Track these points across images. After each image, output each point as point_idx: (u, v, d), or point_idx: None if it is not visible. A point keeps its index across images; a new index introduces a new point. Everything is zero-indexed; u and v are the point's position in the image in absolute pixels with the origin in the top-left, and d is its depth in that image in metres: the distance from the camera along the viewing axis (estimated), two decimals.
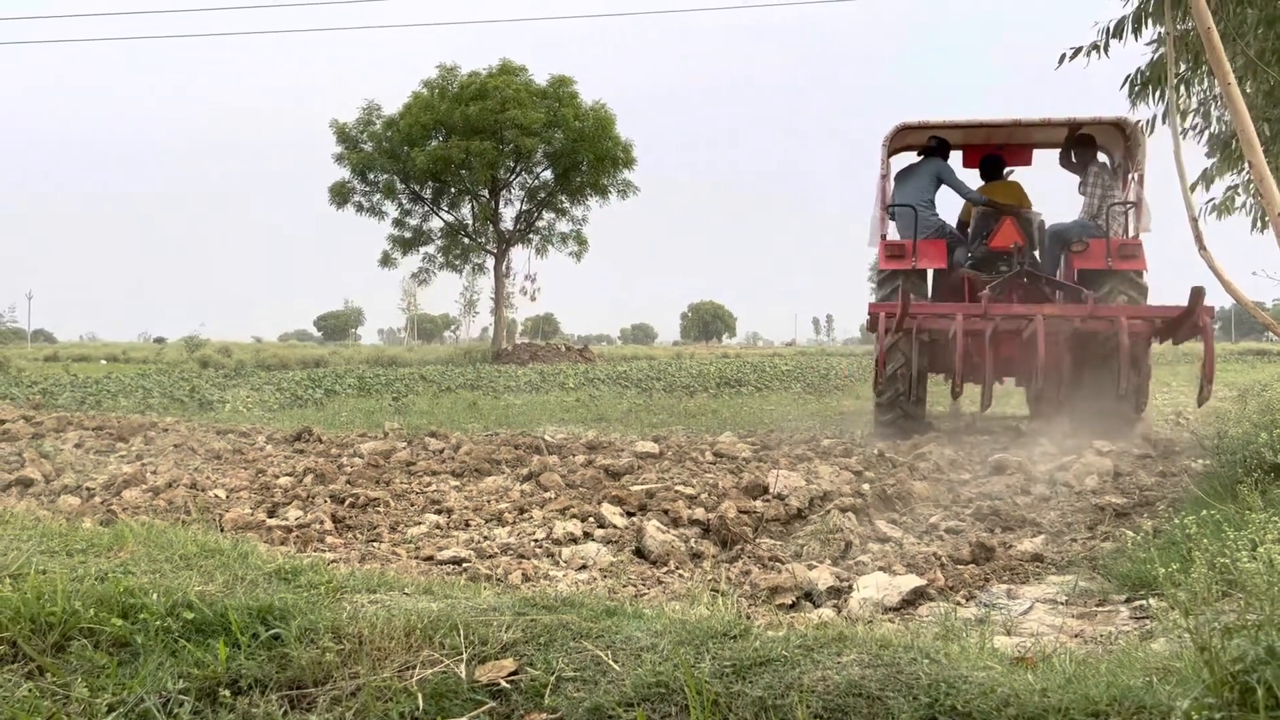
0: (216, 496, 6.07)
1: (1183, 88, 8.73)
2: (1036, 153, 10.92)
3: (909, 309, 8.46)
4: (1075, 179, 9.91)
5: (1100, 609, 3.57)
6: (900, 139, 10.45)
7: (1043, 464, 6.99)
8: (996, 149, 10.55)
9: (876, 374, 9.07)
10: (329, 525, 5.26)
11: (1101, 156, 9.91)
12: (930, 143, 10.20)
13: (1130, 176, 9.55)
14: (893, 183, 10.30)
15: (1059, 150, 10.29)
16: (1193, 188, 9.08)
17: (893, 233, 10.10)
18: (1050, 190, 10.28)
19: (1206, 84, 8.90)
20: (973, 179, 10.57)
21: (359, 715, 2.50)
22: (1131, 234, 9.38)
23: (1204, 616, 2.06)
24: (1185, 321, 7.98)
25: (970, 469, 7.09)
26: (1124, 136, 9.58)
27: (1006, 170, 10.52)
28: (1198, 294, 7.62)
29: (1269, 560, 2.22)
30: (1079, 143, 9.79)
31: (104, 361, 43.87)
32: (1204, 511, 3.33)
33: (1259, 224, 10.29)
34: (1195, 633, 2.01)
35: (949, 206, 10.73)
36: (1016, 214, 9.67)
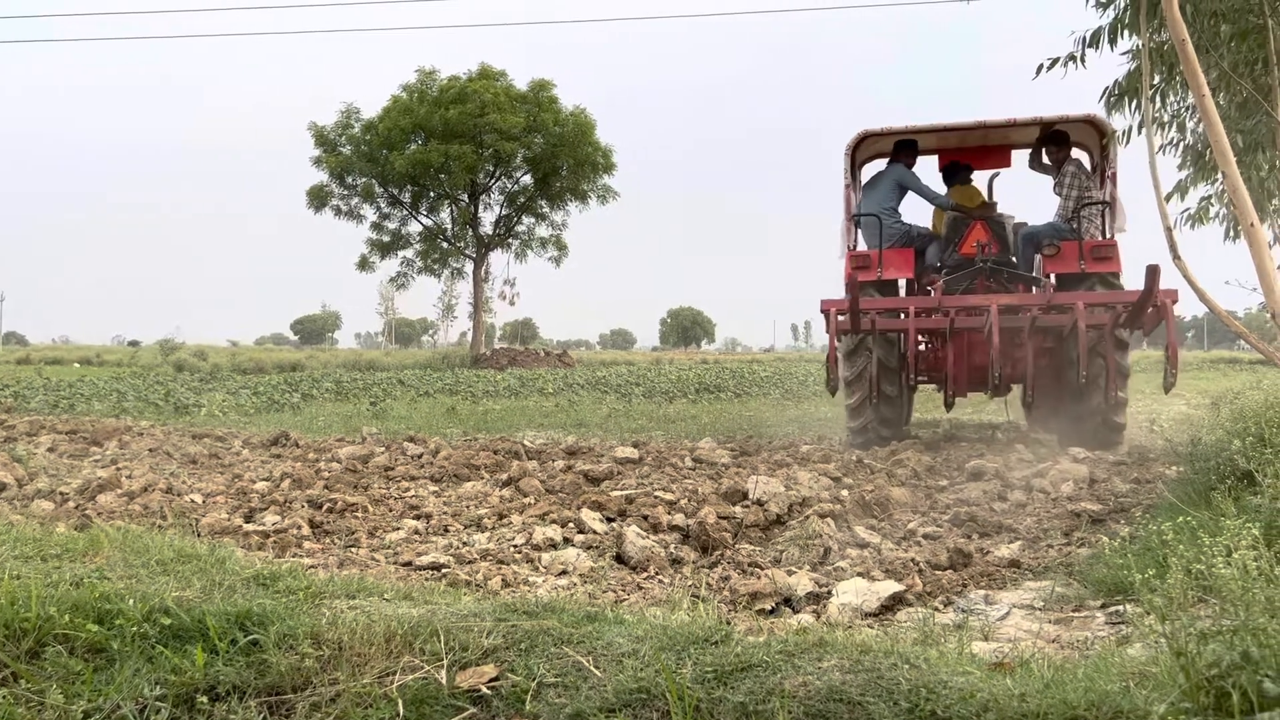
0: (193, 501, 6.02)
1: (1158, 99, 8.82)
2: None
3: (860, 304, 8.28)
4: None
5: (1077, 614, 3.59)
6: (866, 147, 10.28)
7: (1019, 470, 7.04)
8: (974, 152, 10.37)
9: (828, 374, 8.78)
10: (307, 530, 5.22)
11: (1078, 155, 9.77)
12: (894, 149, 10.03)
13: (1107, 175, 9.42)
14: (861, 192, 10.20)
15: (1029, 152, 10.11)
16: (1168, 198, 9.16)
17: (860, 244, 9.93)
18: (1044, 191, 10.08)
19: (1181, 95, 9.00)
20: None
21: None
22: (1107, 235, 9.22)
23: (1180, 622, 2.08)
24: (1146, 305, 7.74)
25: (948, 475, 7.13)
26: (1099, 134, 9.42)
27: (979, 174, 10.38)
28: (1153, 272, 7.38)
29: (1243, 566, 2.24)
30: (1052, 142, 9.59)
31: (77, 364, 43.43)
32: (1179, 518, 3.37)
33: (1232, 234, 10.42)
34: (1171, 638, 2.03)
35: (924, 213, 10.74)
36: (987, 217, 9.54)
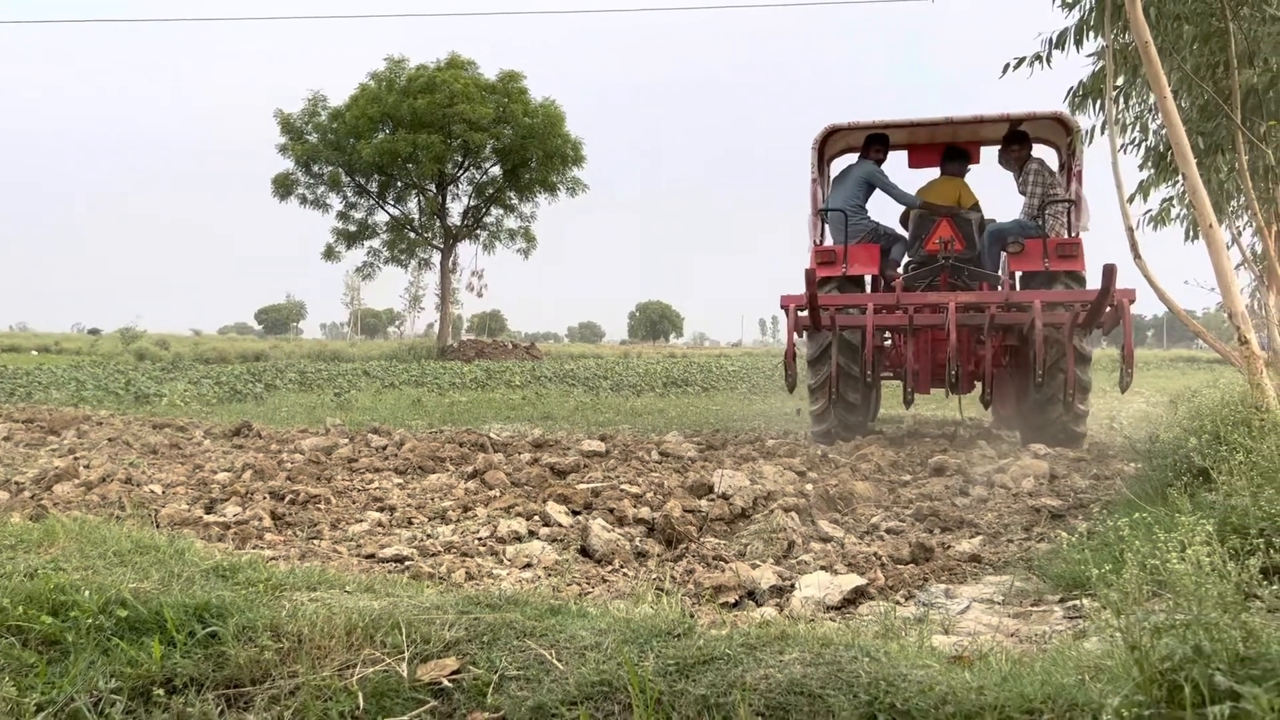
0: (152, 492, 5.94)
1: (1122, 100, 8.93)
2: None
3: (819, 301, 8.22)
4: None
5: (1035, 609, 3.64)
6: (834, 142, 10.18)
7: (981, 466, 7.12)
8: (948, 148, 10.24)
9: (786, 370, 8.61)
10: (268, 522, 5.17)
11: (1043, 152, 9.75)
12: (865, 144, 9.93)
13: (1073, 173, 9.38)
14: (831, 187, 10.14)
15: (999, 148, 9.93)
16: (1130, 199, 9.26)
17: (827, 239, 9.87)
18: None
19: (1144, 97, 9.11)
20: (917, 180, 10.43)
21: (298, 714, 2.47)
22: (1073, 234, 9.15)
23: (1135, 616, 2.11)
24: (1103, 305, 7.72)
25: (911, 470, 7.19)
26: (1066, 131, 9.39)
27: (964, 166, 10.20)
28: (1109, 272, 7.34)
29: (1197, 562, 2.28)
30: (1014, 141, 9.55)
31: (35, 352, 42.72)
32: (1136, 514, 3.41)
33: (1192, 235, 10.58)
34: (1126, 632, 2.06)
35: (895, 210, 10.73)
36: (954, 215, 9.47)
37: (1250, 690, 1.81)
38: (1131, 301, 7.82)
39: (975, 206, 9.84)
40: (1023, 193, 9.38)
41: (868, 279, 9.83)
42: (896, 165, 11.25)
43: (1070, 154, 9.51)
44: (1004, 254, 9.26)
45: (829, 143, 10.08)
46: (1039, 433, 8.60)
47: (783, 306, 8.58)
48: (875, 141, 9.90)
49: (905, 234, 10.03)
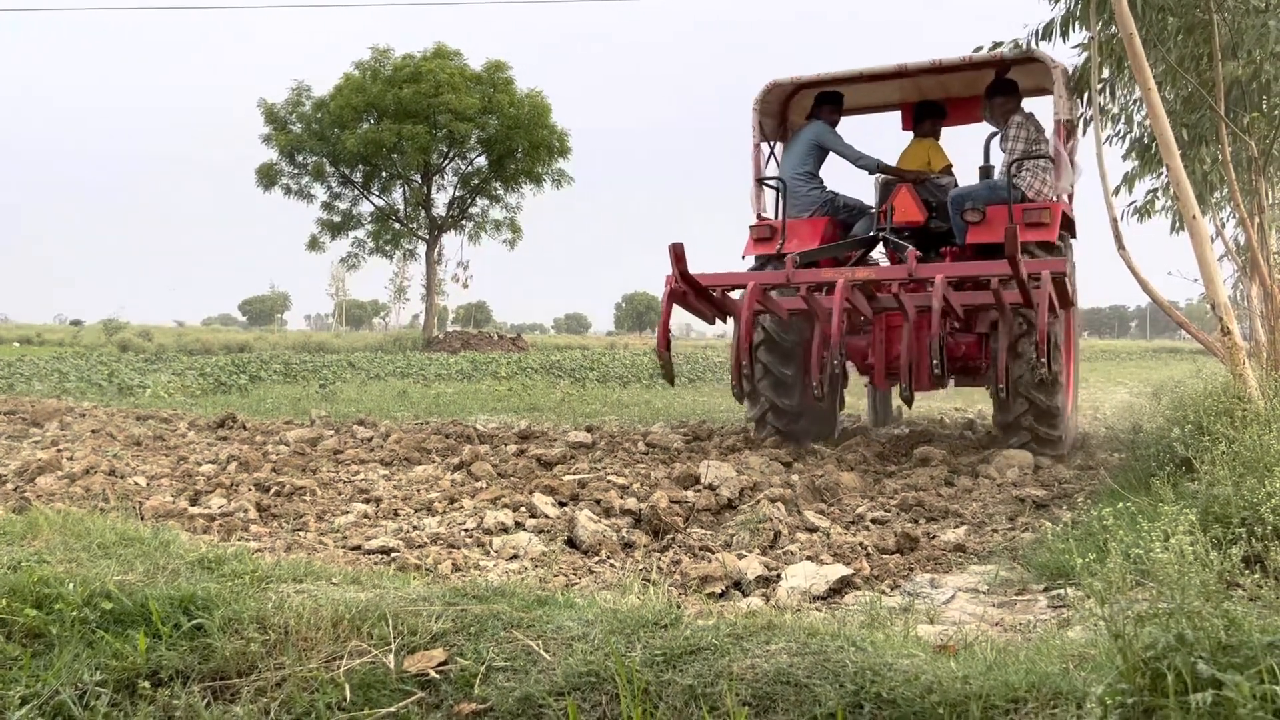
0: (136, 484, 5.91)
1: (1107, 92, 8.94)
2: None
3: (688, 277, 6.95)
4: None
5: (1020, 598, 3.66)
6: (776, 100, 8.89)
7: (966, 456, 7.15)
8: (924, 106, 9.02)
9: (664, 365, 7.32)
10: (253, 514, 5.15)
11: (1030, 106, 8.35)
12: (819, 102, 8.68)
13: (1063, 125, 7.81)
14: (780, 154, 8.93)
15: (984, 102, 8.40)
16: (1116, 190, 9.29)
17: (776, 213, 8.54)
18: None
19: (1129, 89, 9.13)
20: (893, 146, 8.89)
21: (284, 706, 2.47)
22: (1052, 196, 7.72)
23: (1118, 605, 2.12)
24: (1021, 280, 6.33)
25: (896, 461, 7.22)
26: (1050, 75, 7.91)
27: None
28: (1010, 235, 5.95)
29: (1180, 551, 2.30)
30: (998, 92, 8.16)
31: (17, 344, 42.41)
32: (1119, 504, 3.45)
33: (1176, 226, 10.63)
34: (1110, 621, 2.07)
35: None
36: (920, 180, 8.29)
37: (1232, 678, 1.83)
38: (1060, 277, 6.63)
39: (947, 170, 8.69)
40: (1003, 150, 8.06)
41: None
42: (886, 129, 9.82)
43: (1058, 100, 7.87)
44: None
45: (770, 101, 8.83)
46: (1006, 434, 7.50)
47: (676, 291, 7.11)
48: (827, 100, 8.66)
49: (854, 204, 8.79)
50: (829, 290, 6.98)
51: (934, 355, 6.42)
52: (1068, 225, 8.02)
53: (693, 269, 7.01)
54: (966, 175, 8.92)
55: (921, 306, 6.94)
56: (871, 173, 8.52)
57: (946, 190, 8.26)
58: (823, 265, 7.56)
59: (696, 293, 7.08)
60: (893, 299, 6.82)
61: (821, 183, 8.53)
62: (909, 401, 7.37)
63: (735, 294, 7.19)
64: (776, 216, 8.52)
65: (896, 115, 9.59)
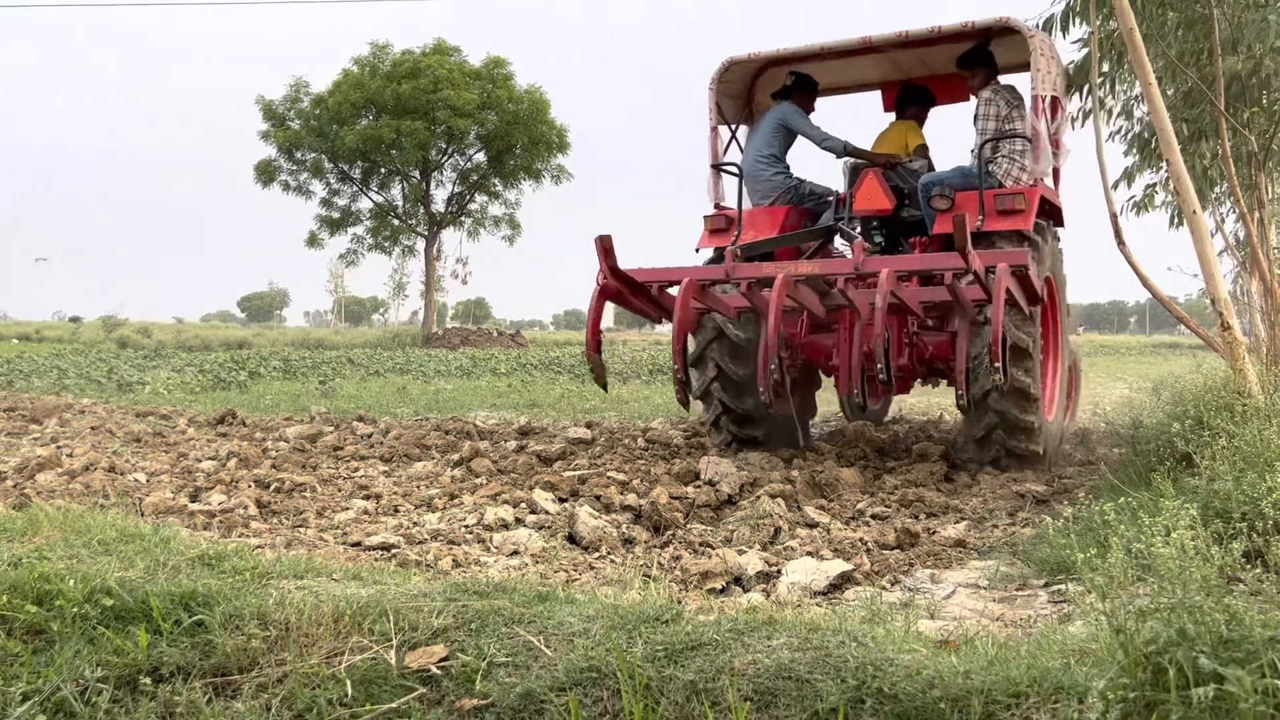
0: (136, 480, 5.91)
1: (1107, 87, 8.93)
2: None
3: (619, 273, 6.23)
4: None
5: (1020, 593, 3.66)
6: (759, 82, 8.18)
7: (965, 451, 7.14)
8: (909, 87, 8.27)
9: (591, 368, 6.63)
10: (254, 510, 5.15)
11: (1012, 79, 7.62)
12: (789, 82, 7.93)
13: (1042, 101, 6.90)
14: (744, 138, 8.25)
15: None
16: (1115, 185, 9.28)
17: (740, 201, 7.69)
18: None
19: (1129, 84, 9.13)
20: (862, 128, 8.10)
21: (285, 702, 2.47)
22: (1028, 180, 6.88)
23: (1119, 600, 2.12)
24: (976, 275, 5.61)
25: (896, 456, 7.22)
26: (1026, 46, 7.00)
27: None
28: (959, 223, 5.26)
29: (1181, 546, 2.29)
30: (965, 64, 7.35)
31: (16, 340, 42.41)
32: (1120, 499, 3.44)
33: (1176, 221, 10.63)
34: (1111, 616, 2.08)
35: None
36: (891, 165, 7.53)
37: (1233, 673, 1.83)
38: (1021, 270, 5.81)
39: (922, 153, 7.86)
40: (976, 130, 7.24)
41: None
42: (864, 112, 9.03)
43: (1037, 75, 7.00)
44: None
45: (731, 80, 8.07)
46: (978, 450, 6.62)
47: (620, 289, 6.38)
48: (800, 83, 7.96)
49: (823, 192, 8.04)
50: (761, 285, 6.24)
51: (879, 360, 5.69)
52: (1050, 212, 7.29)
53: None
54: (959, 160, 7.99)
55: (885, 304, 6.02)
56: (838, 156, 7.78)
57: (919, 175, 7.48)
58: (779, 257, 7.01)
59: (631, 290, 6.41)
60: (849, 295, 6.05)
61: (786, 168, 7.86)
62: (860, 410, 6.75)
63: (674, 290, 6.42)
64: (722, 203, 7.87)
65: (877, 97, 8.92)
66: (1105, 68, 8.27)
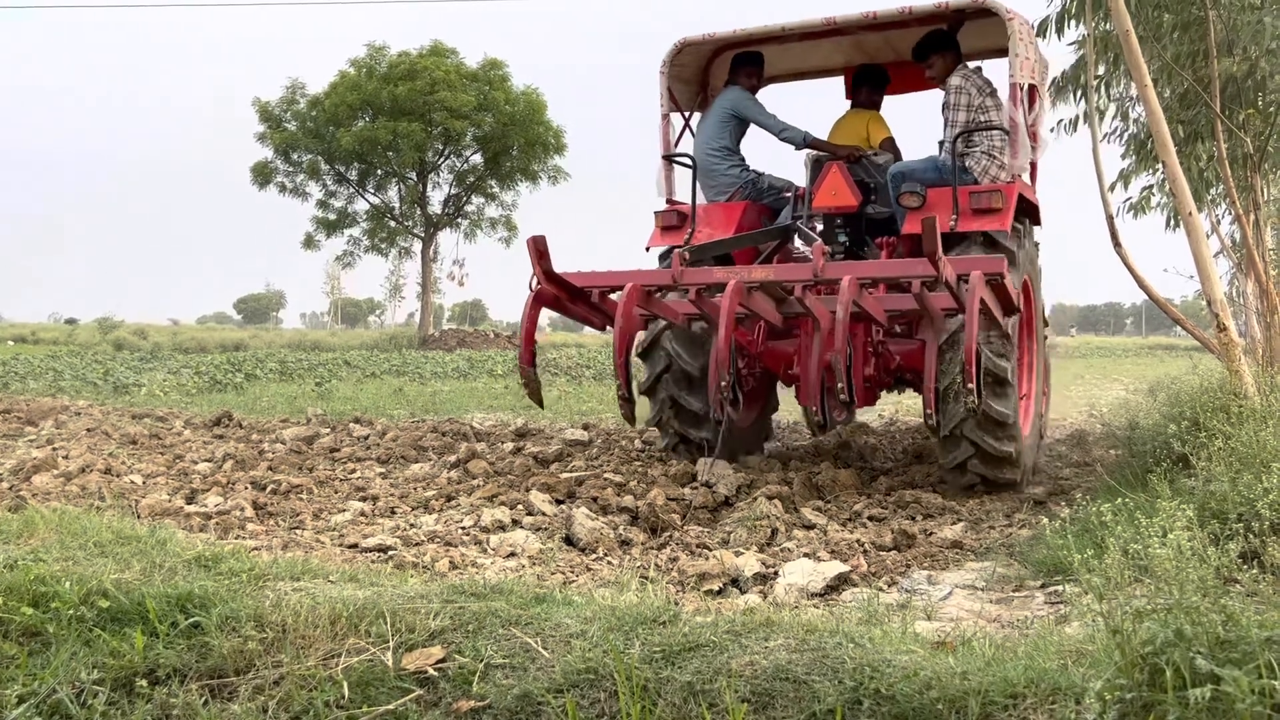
0: (132, 482, 5.90)
1: (1103, 89, 8.95)
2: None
3: (554, 277, 5.66)
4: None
5: (1017, 594, 3.67)
6: (714, 66, 7.52)
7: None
8: (863, 71, 7.54)
9: (526, 384, 5.98)
10: (250, 512, 5.15)
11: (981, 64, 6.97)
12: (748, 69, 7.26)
13: (1021, 89, 6.31)
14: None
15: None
16: (1112, 187, 9.30)
17: (698, 196, 7.04)
18: None
19: (1125, 86, 9.15)
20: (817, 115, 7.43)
21: (282, 704, 2.46)
22: (1005, 176, 6.29)
23: (1116, 601, 2.13)
24: (947, 283, 4.94)
25: (893, 457, 7.23)
26: (1005, 29, 6.31)
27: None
28: (928, 227, 4.59)
29: (1178, 547, 2.30)
30: (929, 48, 6.68)
31: (11, 342, 42.32)
32: (1117, 500, 3.44)
33: (1172, 223, 10.65)
34: (1108, 617, 2.08)
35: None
36: (856, 158, 6.88)
37: (1230, 673, 1.83)
38: (996, 278, 5.14)
39: (888, 145, 7.19)
40: (945, 119, 6.59)
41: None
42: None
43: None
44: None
45: (684, 64, 7.39)
46: (952, 478, 6.05)
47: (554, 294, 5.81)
48: (744, 62, 7.29)
49: (783, 186, 7.40)
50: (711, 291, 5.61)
51: (840, 379, 5.22)
52: (1028, 211, 6.71)
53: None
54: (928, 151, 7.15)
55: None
56: (798, 147, 7.07)
57: (885, 169, 6.76)
58: (735, 258, 6.55)
59: (569, 295, 5.86)
60: (807, 304, 5.43)
61: (742, 160, 7.26)
62: (821, 428, 6.27)
63: (616, 296, 5.82)
64: (673, 198, 7.29)
65: (839, 83, 8.09)
66: (1101, 70, 8.28)
